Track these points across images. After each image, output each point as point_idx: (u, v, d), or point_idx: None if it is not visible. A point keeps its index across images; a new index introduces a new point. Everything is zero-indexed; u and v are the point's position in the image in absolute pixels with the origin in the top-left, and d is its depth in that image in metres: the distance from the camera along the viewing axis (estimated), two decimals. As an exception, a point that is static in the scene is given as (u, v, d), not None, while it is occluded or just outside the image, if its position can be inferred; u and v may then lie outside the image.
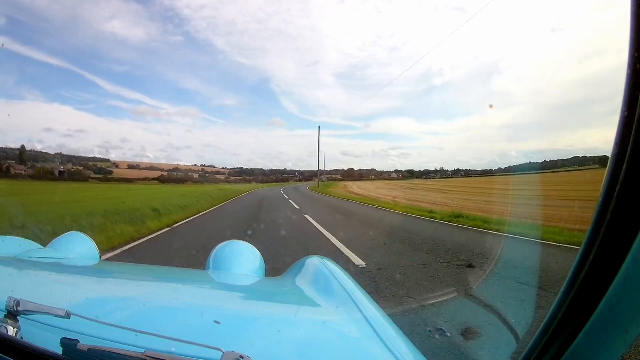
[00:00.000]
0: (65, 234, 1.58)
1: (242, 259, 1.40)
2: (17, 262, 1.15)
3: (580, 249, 0.46)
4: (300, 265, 1.22)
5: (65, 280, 1.04)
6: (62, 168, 53.51)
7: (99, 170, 57.72)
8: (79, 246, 1.48)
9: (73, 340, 0.50)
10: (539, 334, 0.51)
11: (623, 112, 0.40)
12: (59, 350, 0.50)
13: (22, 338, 0.53)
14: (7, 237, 1.46)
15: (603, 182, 0.42)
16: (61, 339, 0.51)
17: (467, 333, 2.39)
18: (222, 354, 0.49)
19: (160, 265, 3.97)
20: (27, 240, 1.47)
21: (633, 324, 0.43)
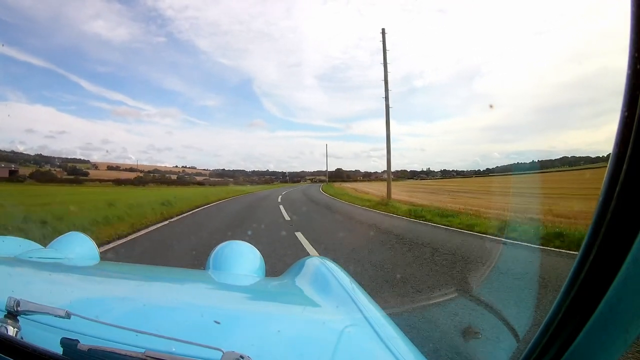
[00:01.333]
0: (66, 234, 1.59)
1: (242, 259, 1.40)
2: (17, 262, 1.15)
3: (580, 249, 0.46)
4: (300, 265, 1.21)
5: (65, 280, 1.04)
6: (13, 167, 49.24)
7: (73, 171, 55.63)
8: (79, 246, 1.48)
9: (73, 340, 0.50)
10: (539, 334, 0.51)
11: (623, 112, 0.40)
12: (59, 350, 0.50)
13: (22, 338, 0.53)
14: (7, 237, 1.46)
15: (603, 181, 0.42)
16: (61, 339, 0.51)
17: (467, 333, 2.38)
18: (222, 354, 0.49)
19: (161, 265, 3.97)
20: (27, 240, 1.47)
21: (633, 324, 0.43)
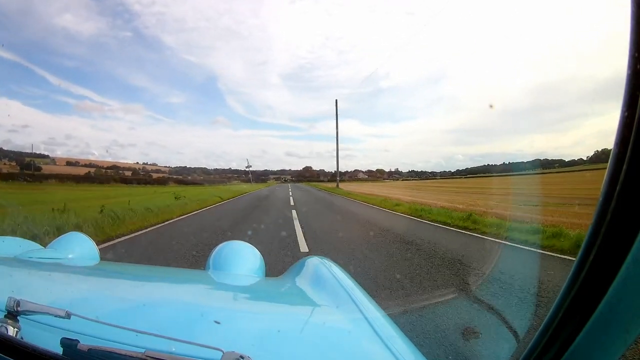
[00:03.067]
0: (66, 234, 1.59)
1: (242, 259, 1.40)
2: (17, 262, 1.15)
3: (580, 249, 0.46)
4: (300, 265, 1.22)
5: (65, 280, 1.04)
6: None
7: (26, 166, 51.68)
8: (79, 246, 1.48)
9: (73, 340, 0.50)
10: (539, 334, 0.51)
11: (623, 112, 0.40)
12: (59, 350, 0.50)
13: (22, 338, 0.53)
14: (7, 237, 1.46)
15: (603, 182, 0.42)
16: (61, 339, 0.51)
17: (467, 333, 2.39)
18: (222, 354, 0.49)
19: (160, 266, 3.97)
20: (27, 240, 1.48)
21: (633, 324, 0.43)
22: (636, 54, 0.39)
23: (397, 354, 0.62)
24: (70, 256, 1.34)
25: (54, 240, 1.49)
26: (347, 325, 0.77)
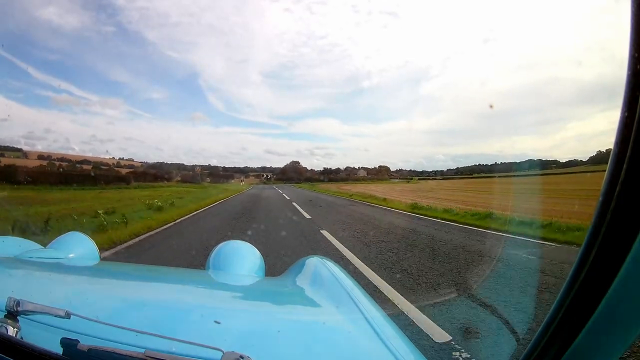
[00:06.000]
0: (65, 234, 1.58)
1: (242, 259, 1.40)
2: (17, 262, 1.15)
3: (580, 249, 0.46)
4: (300, 265, 1.21)
5: (65, 280, 1.04)
6: None
7: None
8: (79, 246, 1.47)
9: (73, 340, 0.50)
10: (539, 334, 0.51)
11: (623, 112, 0.40)
12: (59, 350, 0.50)
13: (22, 338, 0.53)
14: (7, 237, 1.46)
15: (603, 181, 0.42)
16: (61, 339, 0.51)
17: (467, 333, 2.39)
18: (222, 354, 0.49)
19: (160, 265, 3.97)
20: (27, 240, 1.47)
21: (633, 324, 0.43)
22: (636, 54, 0.39)
23: (397, 354, 0.62)
24: (70, 256, 1.34)
25: (54, 240, 1.49)
26: (347, 325, 0.77)
